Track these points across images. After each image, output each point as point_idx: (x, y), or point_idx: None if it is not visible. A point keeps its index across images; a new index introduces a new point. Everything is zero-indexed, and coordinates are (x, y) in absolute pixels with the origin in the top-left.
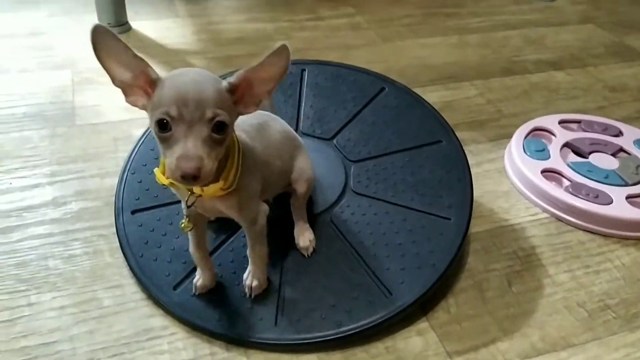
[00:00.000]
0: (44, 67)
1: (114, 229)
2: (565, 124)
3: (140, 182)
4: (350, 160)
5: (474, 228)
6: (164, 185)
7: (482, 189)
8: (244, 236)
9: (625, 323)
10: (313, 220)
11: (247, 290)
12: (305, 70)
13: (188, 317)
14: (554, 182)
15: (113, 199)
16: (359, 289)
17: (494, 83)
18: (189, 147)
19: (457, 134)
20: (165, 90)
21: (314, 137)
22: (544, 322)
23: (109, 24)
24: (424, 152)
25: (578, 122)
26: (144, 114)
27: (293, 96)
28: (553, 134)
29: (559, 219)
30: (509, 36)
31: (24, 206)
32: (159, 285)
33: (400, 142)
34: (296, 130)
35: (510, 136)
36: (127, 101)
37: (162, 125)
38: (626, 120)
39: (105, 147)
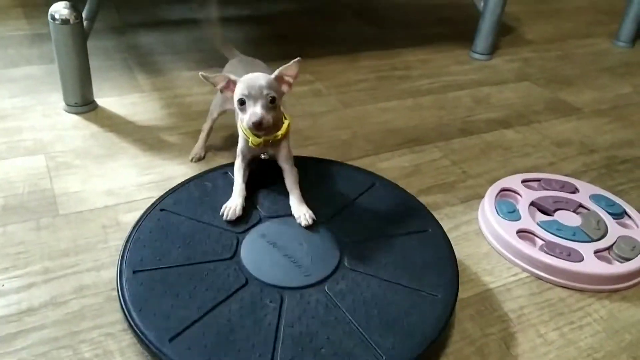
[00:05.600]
0: (16, 154)
1: (120, 327)
2: (527, 183)
3: (145, 246)
4: (345, 241)
5: (465, 293)
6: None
7: (464, 251)
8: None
9: None
10: (310, 289)
11: (309, 219)
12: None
13: None
14: (528, 242)
15: (113, 293)
16: (353, 354)
17: (455, 144)
18: (256, 110)
19: (431, 197)
20: (242, 84)
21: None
22: None
23: (75, 103)
24: (413, 238)
25: (538, 180)
26: (127, 198)
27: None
28: (519, 194)
29: (539, 277)
30: (459, 96)
31: (23, 309)
32: None
33: (392, 229)
34: (292, 213)
35: (479, 196)
36: (222, 93)
37: (241, 101)
38: (576, 174)
39: (96, 237)
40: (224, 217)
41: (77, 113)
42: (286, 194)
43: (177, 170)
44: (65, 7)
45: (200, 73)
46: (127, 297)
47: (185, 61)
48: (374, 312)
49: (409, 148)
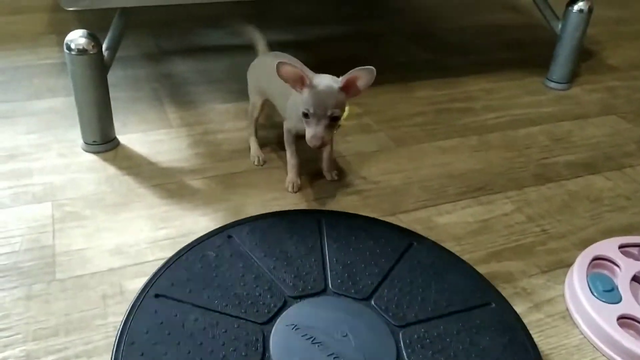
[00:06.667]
0: (20, 202)
1: None
2: (625, 249)
3: (142, 354)
4: (397, 326)
5: None
6: None
7: (550, 343)
8: None
9: None
10: None
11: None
12: (321, 220)
13: None
14: (632, 332)
15: None
16: None
17: (530, 194)
18: (318, 131)
19: (504, 263)
20: (312, 96)
21: (347, 296)
22: None
23: (94, 141)
24: (474, 315)
25: (639, 245)
26: (136, 258)
27: (315, 249)
28: (617, 265)
29: None
30: (532, 134)
31: None
32: None
33: (447, 305)
34: (325, 289)
35: (564, 264)
36: (291, 85)
37: (305, 114)
38: None
39: (93, 310)
40: (291, 190)
41: (95, 152)
42: (310, 259)
43: (198, 223)
44: (82, 36)
45: (278, 62)
46: None
47: (220, 92)
48: None
49: (474, 198)
